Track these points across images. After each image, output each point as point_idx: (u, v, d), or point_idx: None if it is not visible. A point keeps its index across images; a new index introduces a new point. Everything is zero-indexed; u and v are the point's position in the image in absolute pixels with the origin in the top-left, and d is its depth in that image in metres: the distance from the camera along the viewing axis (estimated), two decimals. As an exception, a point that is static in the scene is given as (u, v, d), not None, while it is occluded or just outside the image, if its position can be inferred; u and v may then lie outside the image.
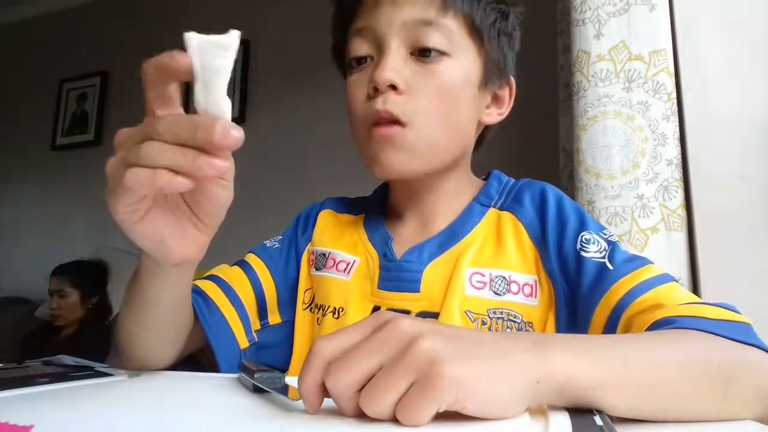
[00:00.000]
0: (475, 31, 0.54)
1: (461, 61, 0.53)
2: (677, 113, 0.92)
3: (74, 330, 1.93)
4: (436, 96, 0.52)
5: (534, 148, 1.38)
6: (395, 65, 0.51)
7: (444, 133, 0.53)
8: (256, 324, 0.60)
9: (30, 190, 2.73)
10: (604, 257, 0.49)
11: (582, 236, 0.51)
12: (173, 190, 0.32)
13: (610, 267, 0.48)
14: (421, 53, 0.52)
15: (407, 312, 0.54)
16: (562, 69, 1.21)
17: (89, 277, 2.02)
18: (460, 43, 0.53)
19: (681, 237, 0.88)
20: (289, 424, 0.29)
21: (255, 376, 0.36)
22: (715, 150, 0.90)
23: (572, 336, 0.33)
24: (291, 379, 0.37)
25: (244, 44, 2.28)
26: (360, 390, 0.28)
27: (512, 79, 0.60)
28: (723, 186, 0.88)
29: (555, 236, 0.53)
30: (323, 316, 0.58)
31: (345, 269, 0.60)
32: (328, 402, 0.29)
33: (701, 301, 0.44)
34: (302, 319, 0.60)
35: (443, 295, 0.53)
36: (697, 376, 0.32)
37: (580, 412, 0.28)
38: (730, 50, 0.91)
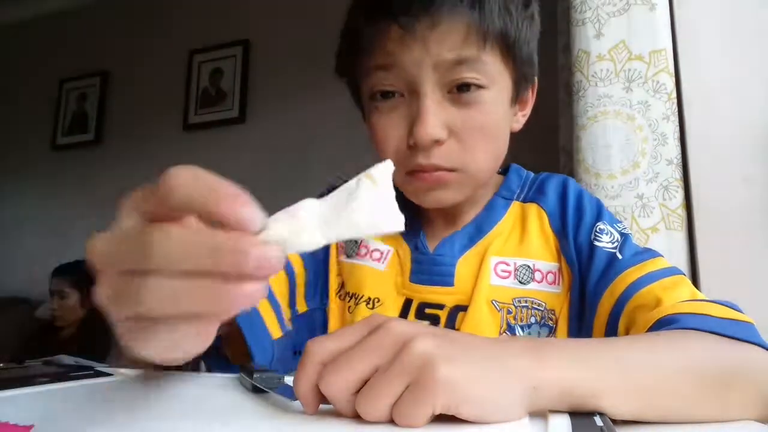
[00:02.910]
0: (509, 50, 0.50)
1: (497, 89, 0.50)
2: (677, 113, 0.92)
3: (74, 330, 1.93)
4: (480, 134, 0.50)
5: (534, 148, 1.38)
6: (436, 117, 0.47)
7: (491, 165, 0.53)
8: (287, 313, 0.57)
9: (30, 190, 2.73)
10: (615, 248, 0.50)
11: (597, 226, 0.52)
12: (201, 348, 0.25)
13: (620, 257, 0.49)
14: (458, 89, 0.48)
15: (441, 306, 0.54)
16: (562, 69, 1.21)
17: (89, 278, 2.01)
18: (495, 71, 0.50)
19: (681, 237, 0.88)
20: (287, 425, 0.29)
21: (254, 376, 0.36)
22: (715, 150, 0.90)
23: (569, 341, 0.33)
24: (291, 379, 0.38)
25: (244, 44, 2.28)
26: (356, 392, 0.28)
27: (535, 80, 0.58)
28: (723, 186, 0.88)
29: (573, 225, 0.54)
30: (356, 305, 0.57)
31: (380, 258, 0.58)
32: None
33: (705, 298, 0.44)
34: (335, 305, 0.59)
35: (473, 288, 0.53)
36: (698, 380, 0.32)
37: (580, 412, 0.28)
38: (730, 50, 0.91)
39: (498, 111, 0.51)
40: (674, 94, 0.92)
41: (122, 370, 0.49)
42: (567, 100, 1.14)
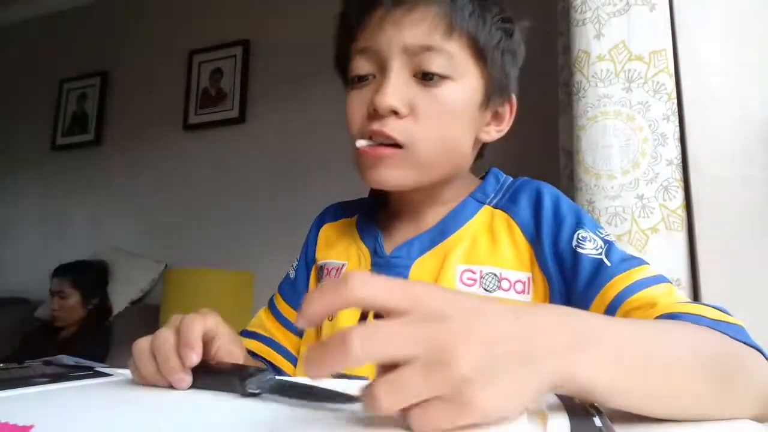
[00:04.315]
0: (479, 53, 0.53)
1: (463, 84, 0.53)
2: (677, 113, 0.92)
3: (74, 330, 1.93)
4: (437, 120, 0.52)
5: (534, 148, 1.38)
6: (397, 89, 0.51)
7: (439, 153, 0.54)
8: None
9: (30, 190, 2.73)
10: (600, 254, 0.50)
11: (578, 234, 0.51)
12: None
13: (608, 263, 0.49)
14: (424, 76, 0.52)
15: None
16: (562, 69, 1.21)
17: (90, 278, 2.02)
18: (462, 66, 0.53)
19: (681, 237, 0.88)
20: (282, 426, 0.29)
21: (245, 381, 0.36)
22: (715, 150, 0.90)
23: (616, 328, 0.31)
24: (294, 379, 0.38)
25: (244, 44, 2.28)
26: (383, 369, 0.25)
27: (513, 97, 0.60)
28: (723, 186, 0.88)
29: (551, 233, 0.53)
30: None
31: (335, 275, 0.61)
32: (319, 410, 0.29)
33: (696, 302, 0.44)
34: (308, 333, 0.62)
35: None
36: (707, 372, 0.32)
37: (578, 413, 0.28)
38: (730, 50, 0.91)
39: (459, 104, 0.53)
40: (674, 95, 0.92)
41: (122, 371, 0.49)
42: (567, 100, 1.14)
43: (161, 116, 2.41)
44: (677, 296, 0.45)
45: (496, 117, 0.59)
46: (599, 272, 0.48)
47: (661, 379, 0.30)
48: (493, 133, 0.59)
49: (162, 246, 2.24)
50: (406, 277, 0.55)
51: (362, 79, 0.54)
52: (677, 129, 0.92)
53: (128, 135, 2.49)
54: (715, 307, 0.42)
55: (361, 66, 0.54)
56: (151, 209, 2.36)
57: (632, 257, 0.50)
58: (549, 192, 0.56)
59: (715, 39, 0.92)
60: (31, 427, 0.27)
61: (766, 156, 0.86)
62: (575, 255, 0.50)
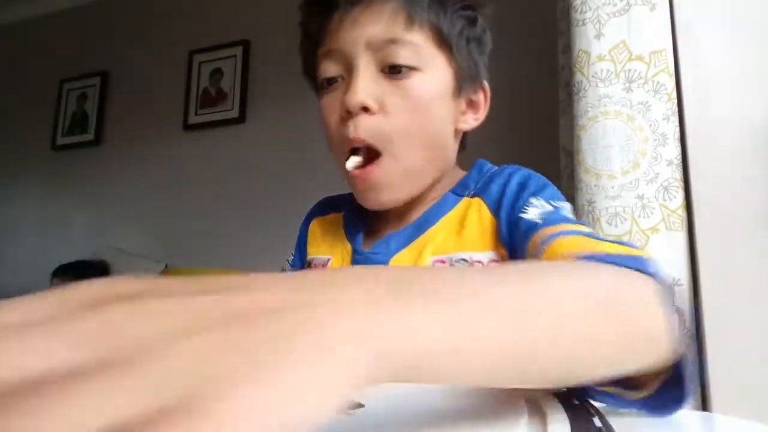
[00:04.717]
0: (443, 41, 0.53)
1: (432, 74, 0.53)
2: (677, 113, 0.92)
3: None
4: (410, 113, 0.52)
5: (534, 148, 1.38)
6: (365, 86, 0.50)
7: (422, 152, 0.53)
8: None
9: (30, 190, 2.73)
10: (539, 218, 0.48)
11: (529, 200, 0.50)
12: None
13: (539, 222, 0.47)
14: (391, 70, 0.51)
15: None
16: (562, 69, 1.21)
17: (90, 278, 2.01)
18: (428, 56, 0.52)
19: (681, 237, 0.88)
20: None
21: None
22: (716, 150, 0.89)
23: (441, 276, 0.23)
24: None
25: (244, 44, 2.28)
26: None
27: (486, 83, 0.60)
28: (723, 186, 0.88)
29: (510, 203, 0.52)
30: None
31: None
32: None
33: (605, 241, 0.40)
34: None
35: None
36: (596, 318, 0.26)
37: (578, 413, 0.28)
38: (731, 50, 0.91)
39: (431, 93, 0.53)
40: (674, 95, 0.92)
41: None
42: (567, 100, 1.14)
43: (161, 116, 2.40)
44: (590, 241, 0.40)
45: (472, 105, 0.59)
46: (529, 231, 0.47)
47: (521, 327, 0.23)
48: (471, 121, 0.59)
49: (162, 246, 2.24)
50: None
51: (331, 82, 0.54)
52: (677, 129, 0.92)
53: (128, 135, 2.49)
54: (625, 244, 0.38)
55: (329, 69, 0.54)
56: (151, 209, 2.36)
57: (569, 219, 0.47)
58: (522, 172, 0.56)
59: (715, 39, 0.92)
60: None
61: (766, 156, 0.86)
62: (518, 220, 0.49)
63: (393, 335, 0.18)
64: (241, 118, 2.24)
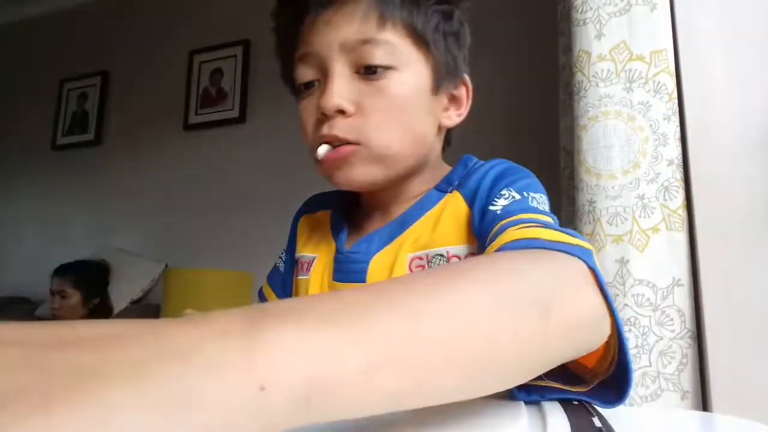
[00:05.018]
0: (419, 38, 0.52)
1: (409, 72, 0.52)
2: (678, 113, 0.92)
3: (74, 330, 1.93)
4: (388, 112, 0.51)
5: (534, 148, 1.38)
6: (340, 89, 0.50)
7: (401, 144, 0.52)
8: None
9: (30, 189, 2.73)
10: (501, 208, 0.46)
11: (501, 192, 0.49)
12: None
13: (499, 212, 0.46)
14: (367, 71, 0.51)
15: None
16: (563, 69, 1.21)
17: (91, 278, 2.02)
18: (404, 54, 0.52)
19: (681, 237, 0.88)
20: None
21: None
22: (716, 150, 0.89)
23: (321, 299, 0.22)
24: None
25: (244, 44, 2.28)
26: None
27: (467, 78, 0.59)
28: (723, 186, 0.88)
29: (483, 196, 0.51)
30: None
31: (306, 269, 0.61)
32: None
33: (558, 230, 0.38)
34: None
35: None
36: (509, 314, 0.25)
37: (578, 413, 0.28)
38: (731, 50, 0.91)
39: (409, 92, 0.52)
40: (675, 95, 0.92)
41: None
42: (567, 100, 1.14)
43: (161, 116, 2.41)
44: (536, 230, 0.38)
45: (454, 101, 0.58)
46: (493, 221, 0.45)
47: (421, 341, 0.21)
48: (454, 117, 0.58)
49: (162, 246, 2.24)
50: (364, 271, 0.54)
51: (308, 86, 0.54)
52: (678, 129, 0.92)
53: (128, 135, 2.49)
54: (566, 232, 0.37)
55: (305, 73, 0.53)
56: (151, 209, 2.36)
57: (531, 208, 0.45)
58: (504, 164, 0.54)
59: (715, 39, 0.92)
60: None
61: (767, 156, 0.86)
62: (486, 212, 0.48)
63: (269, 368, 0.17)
64: (241, 118, 2.24)
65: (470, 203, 0.52)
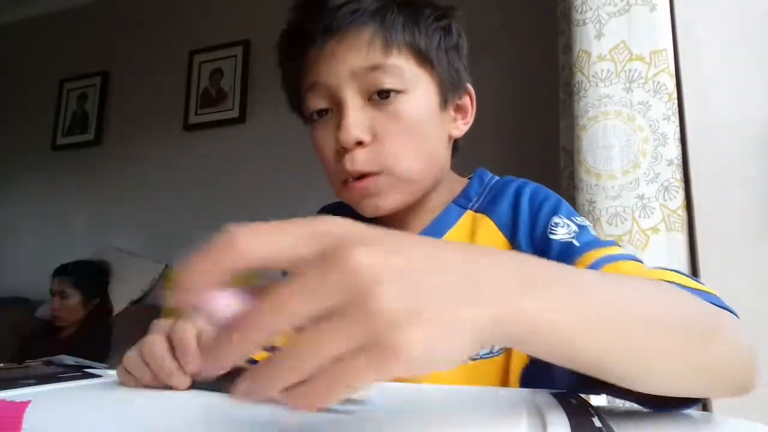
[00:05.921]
0: (423, 58, 0.53)
1: (418, 93, 0.53)
2: (678, 113, 0.92)
3: (75, 330, 1.93)
4: (404, 136, 0.52)
5: (534, 148, 1.38)
6: (356, 121, 0.51)
7: (419, 164, 0.53)
8: None
9: (30, 190, 2.73)
10: (572, 237, 0.49)
11: (552, 220, 0.51)
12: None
13: (577, 244, 0.48)
14: (378, 96, 0.52)
15: None
16: (563, 69, 1.21)
17: (91, 278, 2.02)
18: (411, 76, 0.53)
19: (681, 237, 0.88)
20: (282, 427, 0.29)
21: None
22: (716, 150, 0.89)
23: (575, 274, 0.29)
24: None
25: (244, 44, 2.28)
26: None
27: (470, 87, 0.60)
28: (723, 186, 0.88)
29: (527, 226, 0.53)
30: None
31: None
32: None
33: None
34: None
35: None
36: (680, 330, 0.29)
37: (577, 413, 0.28)
38: (731, 50, 0.91)
39: (420, 113, 0.53)
40: (675, 95, 0.92)
41: (112, 371, 0.49)
42: (567, 100, 1.14)
43: (161, 116, 2.40)
44: (646, 269, 0.44)
45: (459, 110, 0.60)
46: (568, 252, 0.48)
47: (623, 329, 0.27)
48: (461, 126, 0.60)
49: (162, 246, 2.24)
50: None
51: (321, 113, 0.54)
52: (677, 129, 0.92)
53: (128, 135, 2.49)
54: (686, 275, 0.40)
55: (316, 102, 0.54)
56: (151, 209, 2.36)
57: (605, 240, 0.50)
58: (528, 187, 0.56)
59: (715, 39, 0.92)
60: (28, 402, 0.27)
61: (766, 156, 0.86)
62: (547, 241, 0.50)
63: (523, 312, 0.23)
64: (241, 118, 2.23)
65: (510, 235, 0.54)
